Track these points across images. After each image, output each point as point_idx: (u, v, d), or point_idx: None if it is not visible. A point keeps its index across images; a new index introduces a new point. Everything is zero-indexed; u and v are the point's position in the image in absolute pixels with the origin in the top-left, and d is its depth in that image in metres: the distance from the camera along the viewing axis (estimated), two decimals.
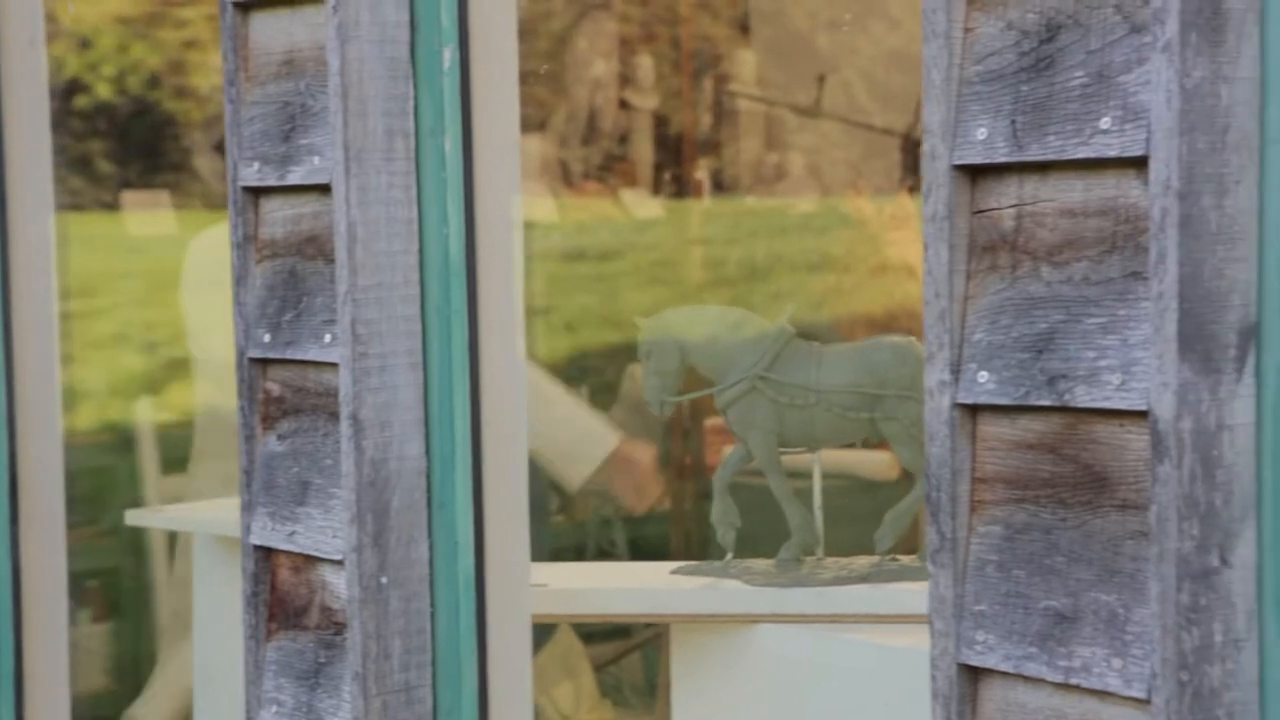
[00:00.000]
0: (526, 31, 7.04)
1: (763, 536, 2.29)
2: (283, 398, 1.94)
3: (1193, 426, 1.28)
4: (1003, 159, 1.36)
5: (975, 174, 1.39)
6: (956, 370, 1.40)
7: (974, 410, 1.40)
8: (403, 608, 1.84)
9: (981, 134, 1.37)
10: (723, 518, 2.19)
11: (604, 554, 4.28)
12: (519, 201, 1.87)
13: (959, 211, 1.39)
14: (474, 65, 1.85)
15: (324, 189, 1.86)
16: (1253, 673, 1.31)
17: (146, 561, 4.01)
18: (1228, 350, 1.30)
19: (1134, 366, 1.30)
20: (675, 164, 6.81)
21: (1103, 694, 1.32)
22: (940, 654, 1.41)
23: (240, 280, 1.96)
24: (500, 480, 1.87)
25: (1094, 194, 1.33)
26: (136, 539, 3.93)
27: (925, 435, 1.42)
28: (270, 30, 1.93)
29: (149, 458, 4.17)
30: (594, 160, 7.03)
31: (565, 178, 6.89)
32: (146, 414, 4.35)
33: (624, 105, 7.05)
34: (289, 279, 1.92)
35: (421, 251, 1.84)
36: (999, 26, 1.37)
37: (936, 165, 1.39)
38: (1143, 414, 1.30)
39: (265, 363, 1.96)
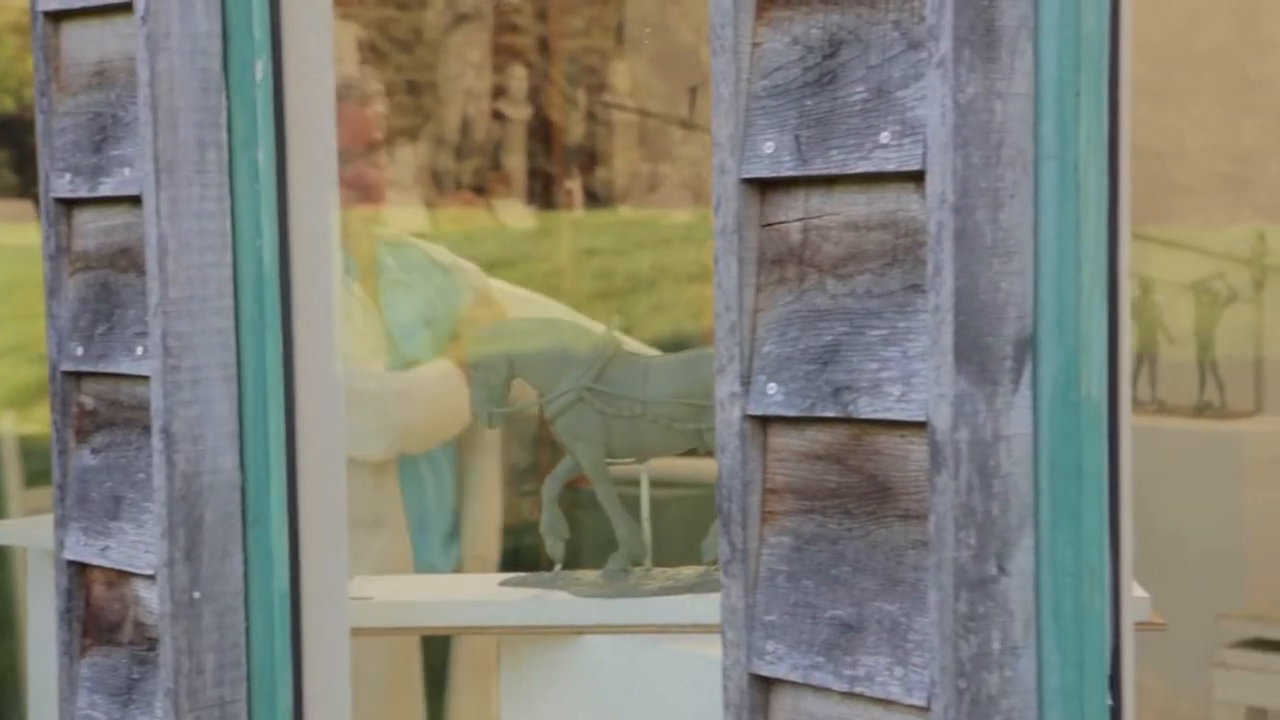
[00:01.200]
0: (399, 42, 7.00)
1: (594, 547, 2.29)
2: (96, 411, 1.92)
3: (969, 437, 1.30)
4: (789, 173, 1.37)
5: (764, 187, 1.41)
6: (746, 382, 1.41)
7: (764, 422, 1.41)
8: (216, 623, 1.82)
9: (768, 148, 1.38)
10: (551, 529, 2.19)
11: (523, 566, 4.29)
12: (336, 214, 1.86)
13: (748, 225, 1.40)
14: (288, 77, 1.83)
15: (135, 200, 1.83)
16: (1030, 679, 1.33)
17: (8, 576, 3.96)
18: (1004, 362, 1.32)
19: (914, 378, 1.32)
20: (549, 175, 6.82)
21: (886, 702, 1.34)
22: (732, 664, 1.42)
23: (53, 293, 1.94)
24: (316, 493, 1.85)
25: (876, 207, 1.34)
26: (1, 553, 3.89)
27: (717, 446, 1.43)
28: (82, 40, 1.91)
29: (12, 470, 4.12)
30: (467, 171, 7.02)
31: (438, 188, 6.88)
32: (11, 426, 4.30)
33: (498, 116, 7.05)
34: (101, 292, 1.89)
35: (235, 264, 1.82)
36: (785, 42, 1.38)
37: (725, 179, 1.40)
38: (922, 425, 1.31)
39: (79, 376, 1.93)
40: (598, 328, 2.20)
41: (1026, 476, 1.33)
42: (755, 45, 1.40)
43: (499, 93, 6.93)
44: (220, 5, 1.81)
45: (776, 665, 1.40)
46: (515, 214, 6.56)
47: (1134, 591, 2.07)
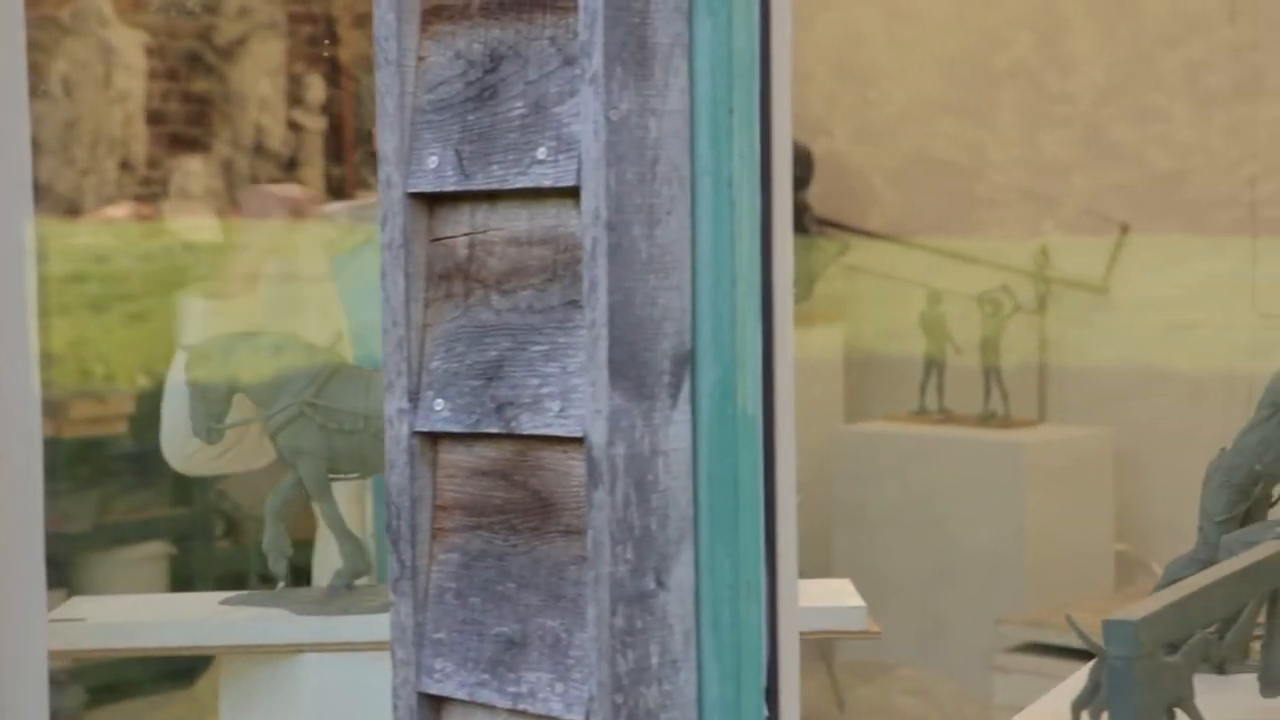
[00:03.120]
0: (189, 51, 6.89)
1: (321, 564, 2.27)
2: None
3: (626, 452, 1.30)
4: (453, 188, 1.37)
5: (432, 202, 1.40)
6: (415, 398, 1.40)
7: (434, 438, 1.41)
8: None
9: (433, 162, 1.38)
10: (274, 545, 2.16)
11: (266, 580, 4.21)
12: (30, 227, 1.81)
13: (415, 239, 1.40)
14: None
15: None
16: (691, 692, 1.34)
17: None
18: (662, 377, 1.32)
19: (572, 394, 1.32)
20: (344, 185, 6.76)
21: (548, 718, 1.34)
22: (401, 683, 1.41)
23: None
24: (10, 514, 1.81)
25: (538, 223, 1.35)
26: None
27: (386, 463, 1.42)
28: None
29: None
30: (261, 181, 6.92)
31: (231, 199, 6.77)
32: None
33: (293, 126, 6.97)
34: None
35: None
36: (448, 56, 1.38)
37: (392, 193, 1.39)
38: (581, 440, 1.32)
39: None
40: (322, 342, 2.18)
41: (686, 490, 1.33)
42: (420, 59, 1.39)
43: (295, 101, 6.87)
44: None
45: (445, 683, 1.39)
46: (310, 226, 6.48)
47: (850, 600, 2.10)
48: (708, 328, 1.33)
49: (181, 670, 4.63)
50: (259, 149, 6.80)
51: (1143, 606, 1.34)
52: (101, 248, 6.32)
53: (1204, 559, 1.68)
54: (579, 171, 1.29)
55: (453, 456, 1.40)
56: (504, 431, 1.35)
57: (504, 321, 1.36)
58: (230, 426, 2.15)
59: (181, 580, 5.99)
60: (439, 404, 1.39)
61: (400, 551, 1.40)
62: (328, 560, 2.28)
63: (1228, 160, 5.54)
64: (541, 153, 1.31)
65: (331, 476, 2.15)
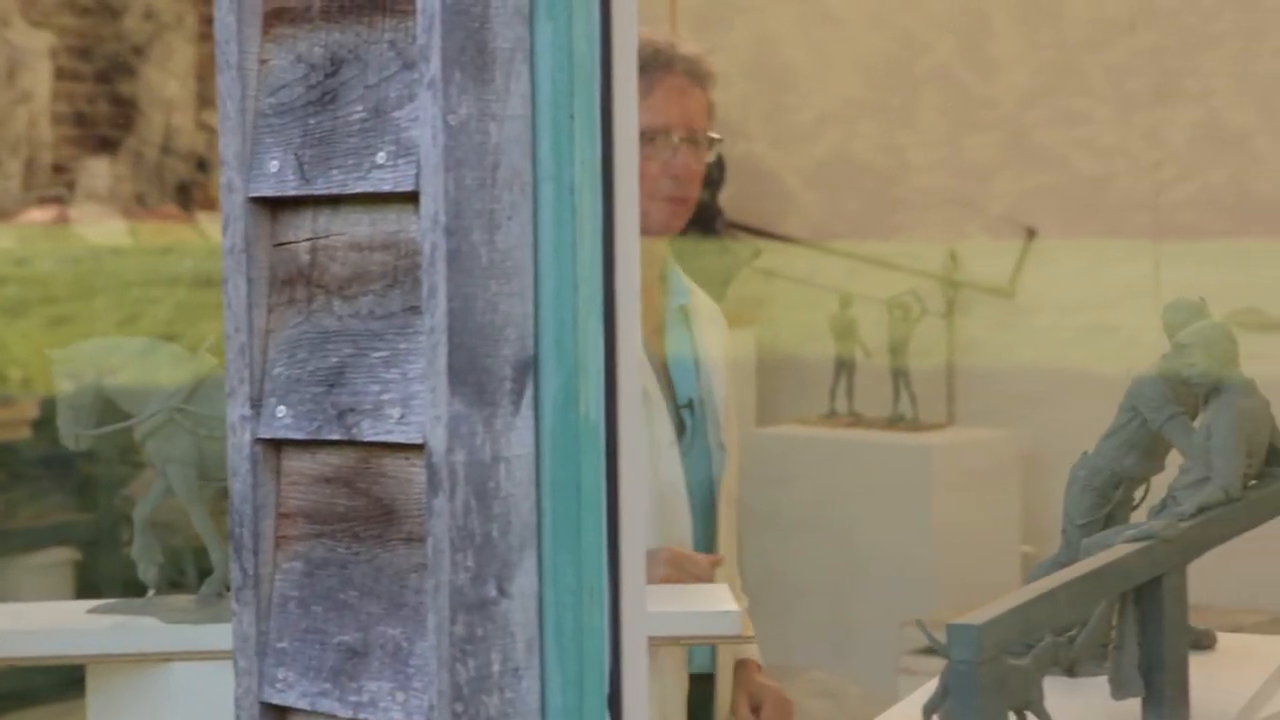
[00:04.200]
0: (97, 51, 6.82)
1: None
2: None
3: (466, 459, 1.29)
4: (293, 192, 1.35)
5: (275, 207, 1.39)
6: (257, 405, 1.39)
7: (277, 445, 1.39)
8: None
9: (274, 166, 1.36)
10: (143, 554, 2.14)
11: (175, 585, 4.18)
12: None
13: (258, 244, 1.38)
14: None
15: None
16: (534, 700, 1.33)
17: None
18: (503, 383, 1.31)
19: (412, 400, 1.31)
20: None
21: None
22: (244, 693, 1.40)
23: None
24: None
25: (379, 228, 1.33)
26: None
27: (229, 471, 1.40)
28: None
29: None
30: (170, 183, 6.86)
31: (139, 200, 6.71)
32: None
33: (203, 127, 6.91)
34: None
35: None
36: (290, 59, 1.36)
37: (233, 198, 1.38)
38: (421, 447, 1.31)
39: None
40: (192, 347, 2.15)
41: (528, 497, 1.33)
42: (262, 62, 1.38)
43: (204, 103, 6.80)
44: None
45: (287, 693, 1.37)
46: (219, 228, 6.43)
47: (724, 605, 2.10)
48: (550, 333, 1.32)
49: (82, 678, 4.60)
50: (168, 149, 6.73)
51: (987, 610, 1.35)
52: (20, 251, 6.25)
53: (1066, 562, 1.69)
54: (418, 176, 1.28)
55: (296, 464, 1.39)
56: (346, 438, 1.34)
57: (346, 327, 1.35)
58: (99, 434, 2.13)
59: (88, 586, 5.92)
60: (281, 410, 1.37)
61: (243, 560, 1.39)
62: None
63: (1146, 164, 5.58)
64: (381, 157, 1.30)
65: (203, 482, 2.12)
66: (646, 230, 2.44)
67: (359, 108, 1.32)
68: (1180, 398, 1.71)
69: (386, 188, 1.30)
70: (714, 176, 5.81)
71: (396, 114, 1.30)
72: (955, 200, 6.11)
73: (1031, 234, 5.72)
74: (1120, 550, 1.52)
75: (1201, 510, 1.57)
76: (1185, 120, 5.35)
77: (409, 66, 1.29)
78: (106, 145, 6.58)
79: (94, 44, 6.53)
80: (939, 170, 6.15)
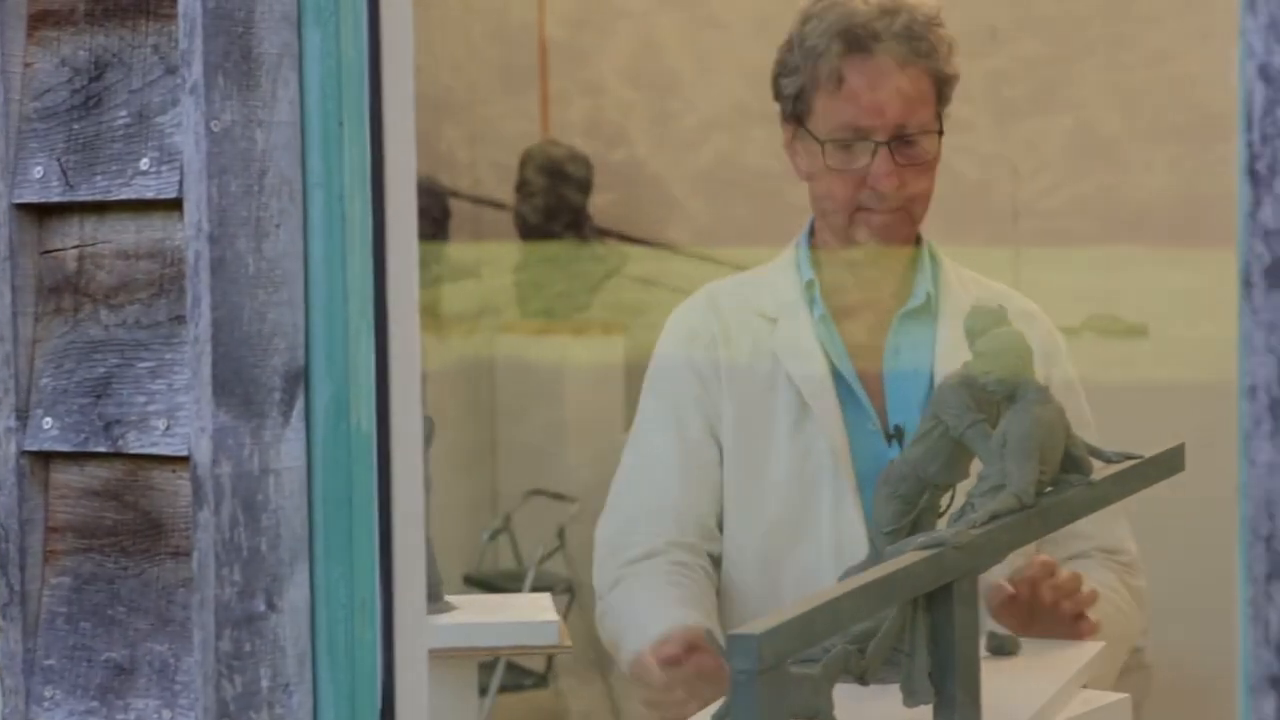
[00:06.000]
0: None
1: None
2: None
3: (233, 471, 1.27)
4: (58, 198, 1.32)
5: (41, 214, 1.35)
6: (23, 416, 1.35)
7: (46, 458, 1.36)
8: None
9: (38, 172, 1.33)
10: None
11: None
12: None
13: (23, 252, 1.35)
14: None
15: None
16: (306, 716, 1.31)
17: None
18: (273, 394, 1.29)
19: (178, 412, 1.28)
20: None
21: None
22: (11, 712, 1.36)
23: None
24: None
25: (145, 236, 1.31)
26: None
27: None
28: None
29: None
30: None
31: None
32: None
33: None
34: None
35: None
36: (54, 63, 1.33)
37: None
38: (188, 459, 1.28)
39: None
40: None
41: (299, 510, 1.31)
42: (27, 65, 1.35)
43: None
44: None
45: (54, 712, 1.34)
46: None
47: (544, 615, 2.09)
48: (321, 343, 1.30)
49: None
50: None
51: (767, 620, 1.34)
52: None
53: None
54: (181, 183, 1.26)
55: (65, 477, 1.36)
56: (113, 450, 1.31)
57: (113, 337, 1.32)
58: None
59: None
60: (48, 422, 1.34)
61: (9, 576, 1.36)
62: None
63: (1023, 171, 5.64)
64: (145, 163, 1.28)
65: None
66: (867, 243, 1.93)
67: (123, 113, 1.29)
68: (982, 405, 1.71)
69: (150, 195, 1.27)
70: (583, 182, 5.79)
71: (160, 119, 1.27)
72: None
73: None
74: (909, 558, 1.52)
75: (994, 518, 1.58)
76: (1060, 128, 5.41)
77: (171, 71, 1.27)
78: None
79: None
80: None
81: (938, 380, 2.00)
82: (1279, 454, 0.90)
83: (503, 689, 3.94)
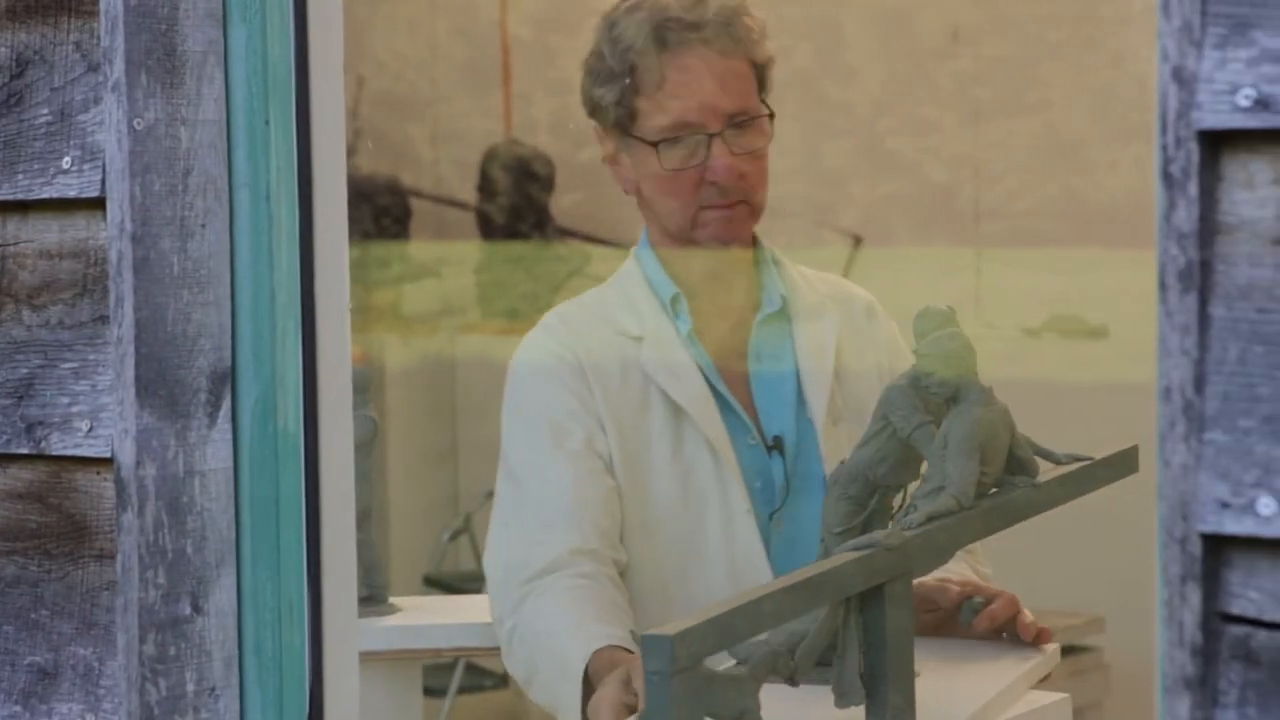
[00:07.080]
0: None
1: None
2: None
3: (157, 473, 1.26)
4: None
5: None
6: None
7: None
8: None
9: None
10: None
11: None
12: None
13: None
14: None
15: None
16: (233, 719, 1.30)
17: None
18: (198, 395, 1.28)
19: (102, 413, 1.27)
20: None
21: None
22: None
23: None
24: None
25: (68, 235, 1.29)
26: None
27: None
28: None
29: None
30: None
31: None
32: None
33: None
34: None
35: None
36: None
37: None
38: (111, 461, 1.27)
39: None
40: None
41: (226, 512, 1.29)
42: None
43: None
44: None
45: None
46: None
47: (485, 617, 2.07)
48: (247, 344, 1.29)
49: None
50: None
51: (684, 620, 1.33)
52: None
53: None
54: (104, 182, 1.24)
55: None
56: (35, 452, 1.30)
57: (35, 338, 1.30)
58: None
59: None
60: None
61: None
62: None
63: (990, 173, 5.64)
64: (66, 162, 1.26)
65: None
66: (712, 244, 1.87)
67: (45, 111, 1.28)
68: (929, 406, 1.71)
69: (72, 193, 1.26)
70: (545, 182, 5.77)
71: (82, 117, 1.26)
72: (812, 206, 6.14)
73: (858, 241, 5.76)
74: (838, 559, 1.51)
75: (931, 519, 1.57)
76: (1026, 129, 5.42)
77: (93, 69, 1.25)
78: None
79: None
80: (795, 177, 6.17)
81: (803, 383, 1.94)
82: (1192, 456, 0.89)
83: (462, 690, 3.92)
